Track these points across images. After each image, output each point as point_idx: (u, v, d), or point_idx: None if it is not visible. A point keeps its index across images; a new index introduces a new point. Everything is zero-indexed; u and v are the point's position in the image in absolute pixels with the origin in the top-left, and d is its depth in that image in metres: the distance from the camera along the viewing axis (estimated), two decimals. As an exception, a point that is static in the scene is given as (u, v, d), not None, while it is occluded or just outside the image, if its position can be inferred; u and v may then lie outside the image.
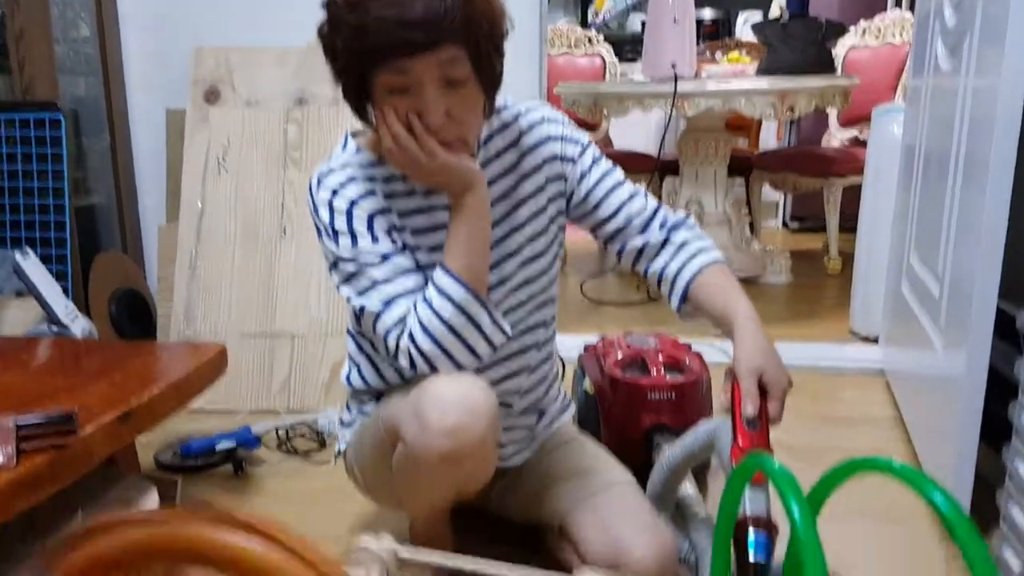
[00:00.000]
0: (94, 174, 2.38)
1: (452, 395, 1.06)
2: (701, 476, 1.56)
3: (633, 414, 1.58)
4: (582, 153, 1.24)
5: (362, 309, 1.13)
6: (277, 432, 1.81)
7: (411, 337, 1.10)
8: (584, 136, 1.27)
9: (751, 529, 0.92)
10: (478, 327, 1.11)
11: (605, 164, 1.26)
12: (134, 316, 2.15)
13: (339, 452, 1.33)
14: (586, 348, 1.80)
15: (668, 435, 1.52)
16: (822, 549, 0.68)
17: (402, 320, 1.11)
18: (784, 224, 4.44)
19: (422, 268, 1.15)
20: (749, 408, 1.00)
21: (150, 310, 2.21)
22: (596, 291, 3.12)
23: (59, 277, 1.99)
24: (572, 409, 1.48)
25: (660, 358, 1.65)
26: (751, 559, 0.89)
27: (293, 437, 1.81)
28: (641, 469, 1.39)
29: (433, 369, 1.11)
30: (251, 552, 0.64)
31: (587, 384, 1.70)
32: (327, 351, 1.97)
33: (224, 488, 1.64)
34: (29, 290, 1.65)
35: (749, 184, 3.57)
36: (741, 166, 3.47)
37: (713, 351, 1.93)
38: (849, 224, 2.93)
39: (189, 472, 1.66)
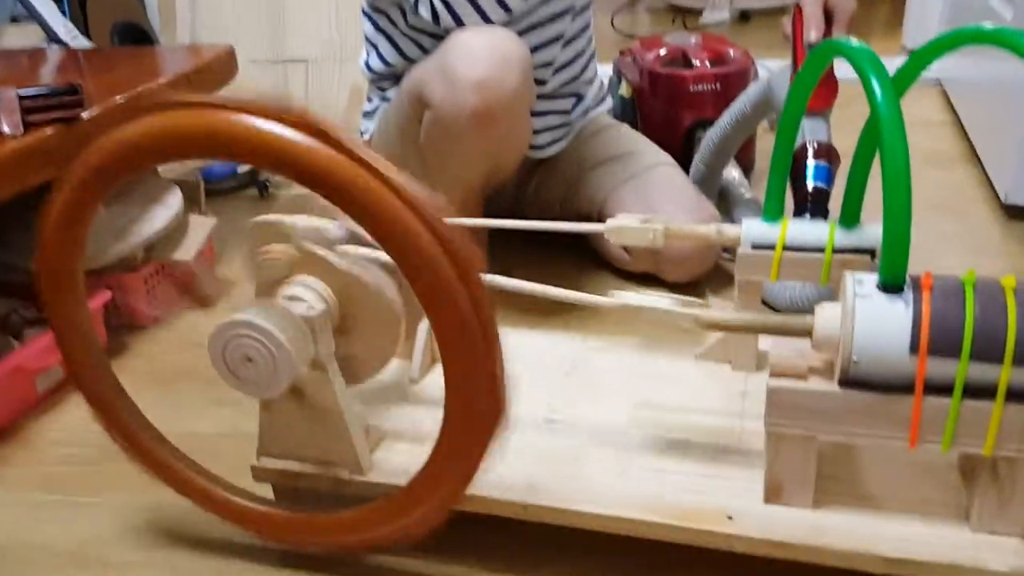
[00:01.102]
0: (79, -97, 2.18)
1: (480, 45, 0.96)
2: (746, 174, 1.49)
3: (674, 111, 1.49)
4: None
5: None
6: (301, 155, 1.74)
7: None
8: None
9: (810, 156, 0.84)
10: None
11: None
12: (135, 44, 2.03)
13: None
14: (622, 52, 1.68)
15: (711, 131, 1.43)
16: (903, 128, 0.60)
17: None
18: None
19: None
20: (813, 33, 0.90)
21: (153, 44, 2.09)
22: (628, 25, 2.93)
23: (55, 11, 1.87)
24: (609, 102, 1.38)
25: (703, 52, 1.53)
26: (810, 186, 0.82)
27: (318, 160, 1.75)
28: (683, 170, 1.31)
29: (457, 20, 1.00)
30: (297, 146, 0.57)
31: (623, 88, 1.60)
32: (343, 74, 1.86)
33: (250, 210, 1.60)
34: (25, 8, 1.54)
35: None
36: None
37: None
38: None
39: (212, 196, 1.61)
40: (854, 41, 0.65)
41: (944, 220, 1.41)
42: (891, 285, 0.61)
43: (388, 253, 0.59)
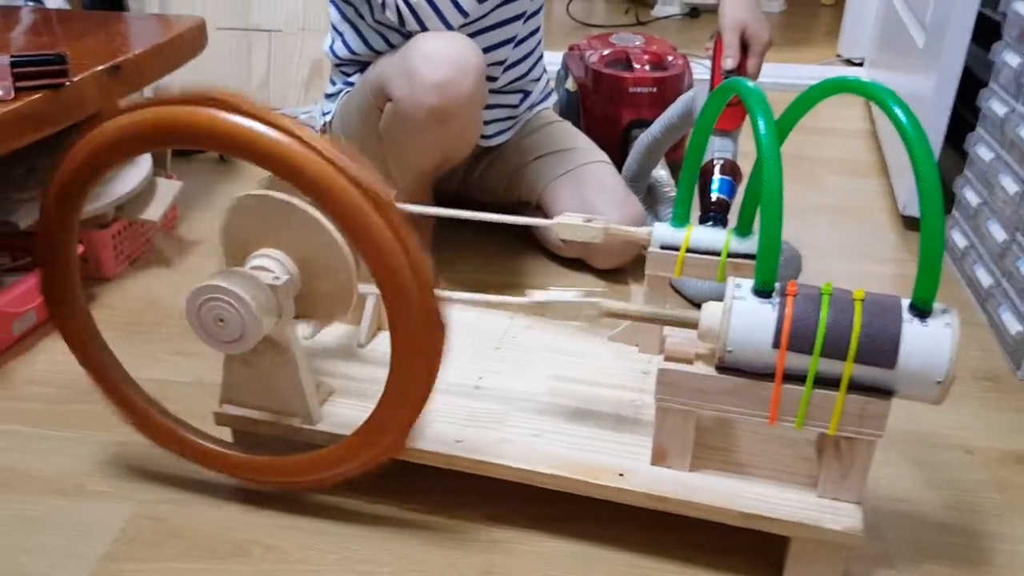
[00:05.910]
0: None
1: (441, 51, 1.07)
2: (675, 173, 1.62)
3: (614, 109, 1.61)
4: None
5: None
6: (262, 123, 1.81)
7: None
8: None
9: (717, 170, 0.97)
10: None
11: None
12: (107, 8, 2.07)
13: (324, 124, 1.35)
14: (571, 47, 1.79)
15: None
16: (780, 162, 0.73)
17: None
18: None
19: None
20: (729, 61, 1.02)
21: (122, 2, 2.14)
22: (583, 13, 3.03)
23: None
24: (554, 97, 1.50)
25: (644, 56, 1.65)
26: (714, 197, 0.95)
27: (278, 129, 1.82)
28: (619, 165, 1.43)
29: (420, 24, 1.10)
30: (253, 134, 0.68)
31: (570, 83, 1.71)
32: (305, 47, 1.93)
33: (211, 172, 1.68)
34: (-4, -38, 1.58)
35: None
36: None
37: (700, 68, 1.93)
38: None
39: (175, 157, 1.68)
40: (750, 83, 0.77)
41: (847, 226, 1.56)
42: (762, 291, 0.74)
43: (344, 233, 0.70)
